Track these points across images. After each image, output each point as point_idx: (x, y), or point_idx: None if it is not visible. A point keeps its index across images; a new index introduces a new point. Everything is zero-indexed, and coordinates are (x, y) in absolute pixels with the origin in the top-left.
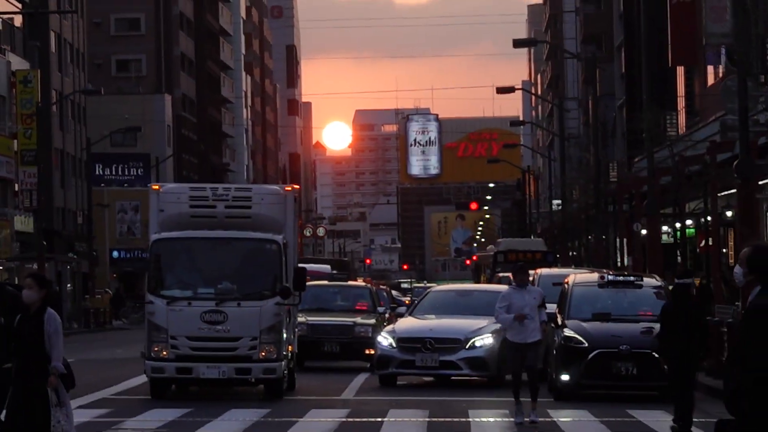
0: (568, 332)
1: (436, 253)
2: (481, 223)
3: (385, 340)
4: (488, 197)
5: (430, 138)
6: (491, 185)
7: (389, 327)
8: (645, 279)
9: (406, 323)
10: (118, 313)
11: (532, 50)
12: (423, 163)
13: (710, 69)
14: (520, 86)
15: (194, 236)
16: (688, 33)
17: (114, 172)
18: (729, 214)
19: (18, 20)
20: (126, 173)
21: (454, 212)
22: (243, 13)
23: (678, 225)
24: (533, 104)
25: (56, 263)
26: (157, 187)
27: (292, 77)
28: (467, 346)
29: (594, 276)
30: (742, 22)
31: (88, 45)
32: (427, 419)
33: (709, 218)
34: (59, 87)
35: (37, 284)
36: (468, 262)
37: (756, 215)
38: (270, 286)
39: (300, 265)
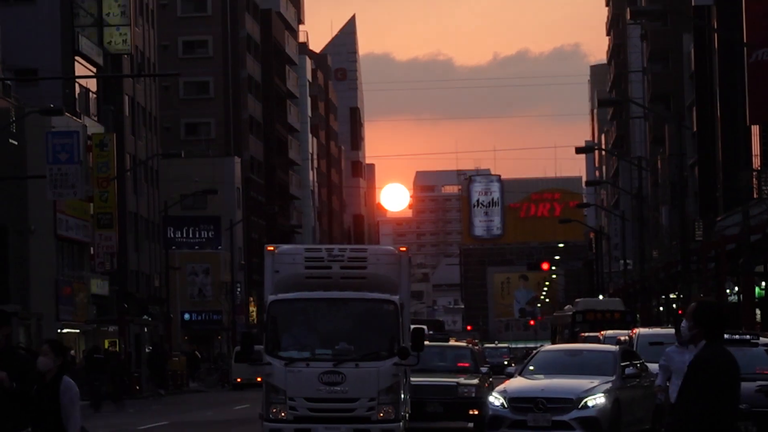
0: None
1: (499, 314)
2: (547, 283)
3: (496, 400)
4: (556, 257)
5: (492, 198)
6: (560, 245)
7: (500, 387)
8: (761, 338)
9: (517, 383)
10: (193, 375)
11: (596, 111)
12: (486, 223)
13: None
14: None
15: (311, 297)
16: (765, 92)
17: (185, 235)
18: None
19: (92, 84)
20: (197, 236)
21: (517, 273)
22: (309, 76)
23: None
24: (596, 164)
25: (135, 326)
26: (272, 248)
27: (356, 139)
28: (579, 406)
29: None
30: None
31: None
32: None
33: None
34: (132, 150)
35: (53, 351)
36: (532, 322)
37: None
38: (387, 347)
39: (417, 326)
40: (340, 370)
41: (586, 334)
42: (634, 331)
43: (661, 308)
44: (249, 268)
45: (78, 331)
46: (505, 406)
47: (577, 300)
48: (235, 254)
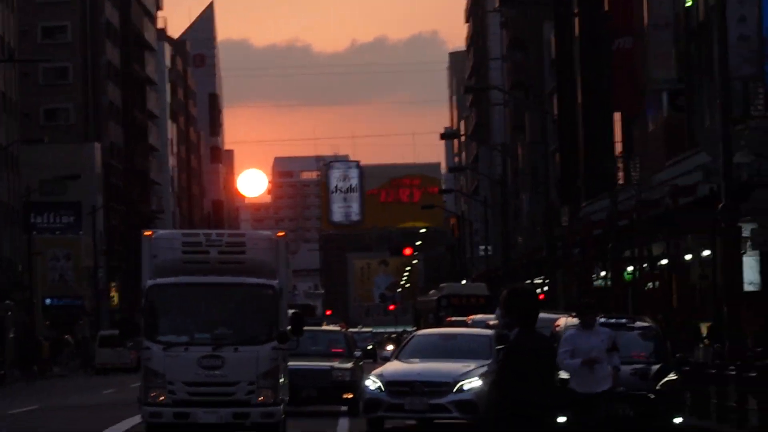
0: (562, 374)
1: (359, 299)
2: (407, 269)
3: (373, 384)
4: (417, 243)
5: (351, 185)
6: (422, 230)
7: (377, 370)
8: (637, 322)
9: (393, 367)
10: (56, 360)
11: (455, 98)
12: (345, 209)
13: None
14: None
15: (189, 282)
16: (628, 79)
17: (46, 221)
18: (706, 253)
19: None
20: (58, 221)
21: (377, 258)
22: (168, 62)
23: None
24: (456, 150)
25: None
26: (149, 233)
27: (215, 125)
28: (456, 389)
29: None
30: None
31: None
32: None
33: (665, 261)
34: None
35: None
36: (392, 307)
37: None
38: (266, 331)
39: (296, 310)
40: (220, 354)
41: (453, 318)
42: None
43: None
44: (110, 254)
45: None
46: (382, 389)
47: (441, 285)
48: (96, 240)
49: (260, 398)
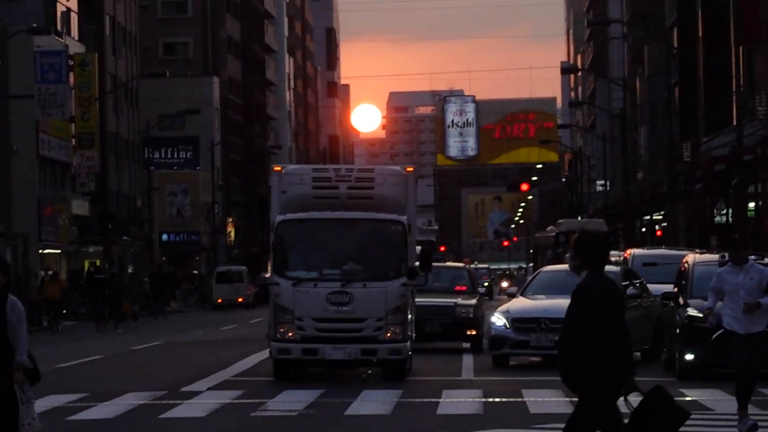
0: (691, 311)
1: (473, 235)
2: (522, 204)
3: (499, 320)
4: (534, 178)
5: (467, 119)
6: (539, 166)
7: (502, 307)
8: (765, 258)
9: (519, 304)
10: (174, 294)
11: (572, 31)
12: (461, 144)
13: None
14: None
15: (319, 217)
16: (751, 13)
17: (164, 156)
18: None
19: (73, 4)
20: (176, 156)
21: (491, 194)
22: None
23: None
24: (572, 85)
25: (116, 247)
26: (279, 168)
27: (332, 60)
28: None
29: (714, 256)
30: None
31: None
32: (567, 399)
33: None
34: (113, 70)
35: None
36: (506, 243)
37: None
38: (395, 267)
39: (425, 246)
40: (348, 290)
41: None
42: (628, 252)
43: (644, 229)
44: (228, 189)
45: (59, 251)
46: (508, 326)
47: (559, 221)
48: (214, 175)
49: (388, 334)
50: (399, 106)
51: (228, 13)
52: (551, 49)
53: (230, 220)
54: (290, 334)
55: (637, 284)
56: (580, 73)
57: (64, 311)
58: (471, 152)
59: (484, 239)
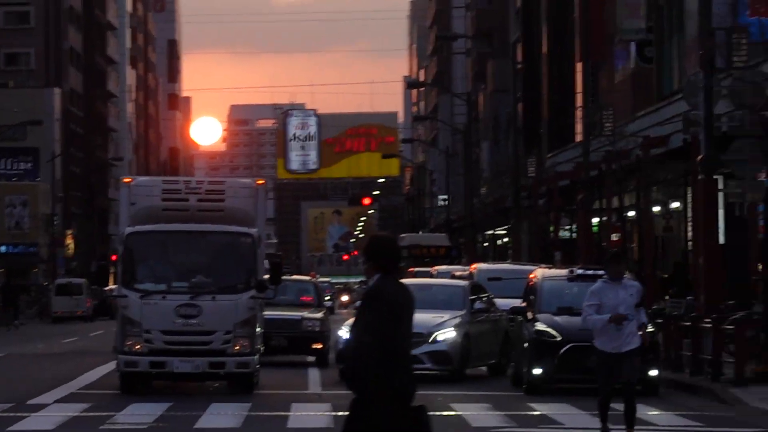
0: (540, 326)
1: (312, 249)
2: (362, 219)
3: (346, 333)
4: (375, 192)
5: (309, 133)
6: (381, 180)
7: (350, 321)
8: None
9: None
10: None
11: (415, 47)
12: (302, 158)
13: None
14: (400, 81)
15: (168, 229)
16: (595, 29)
17: (3, 167)
18: (675, 205)
19: None
20: (15, 167)
21: (331, 208)
22: (129, 7)
23: (597, 220)
24: (414, 100)
25: None
26: (128, 180)
27: (173, 72)
28: (430, 341)
29: (562, 270)
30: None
31: None
32: None
33: (631, 213)
34: None
35: None
36: (346, 257)
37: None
38: (244, 280)
39: (274, 259)
40: (197, 302)
41: (416, 269)
42: (473, 266)
43: (486, 244)
44: (67, 201)
45: None
46: None
47: (402, 235)
48: (54, 187)
49: (236, 347)
50: (240, 119)
51: (71, 23)
52: (393, 64)
53: (69, 232)
54: (138, 346)
55: (485, 298)
56: (423, 88)
57: None
58: (312, 165)
59: (323, 253)
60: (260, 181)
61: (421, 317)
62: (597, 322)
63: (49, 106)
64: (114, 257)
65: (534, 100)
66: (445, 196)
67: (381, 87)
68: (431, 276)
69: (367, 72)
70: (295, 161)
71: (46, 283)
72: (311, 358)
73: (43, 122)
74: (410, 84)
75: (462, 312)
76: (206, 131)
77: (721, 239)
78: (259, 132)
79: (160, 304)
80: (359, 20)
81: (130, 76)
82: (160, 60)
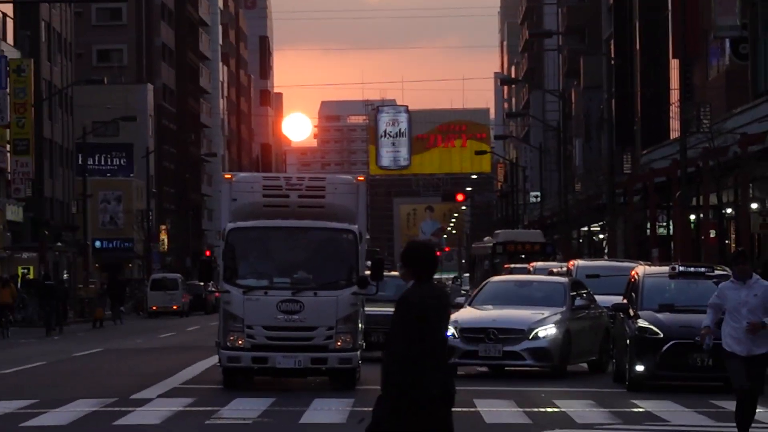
0: (642, 323)
1: (405, 245)
2: (455, 215)
3: (447, 330)
4: (468, 189)
5: (400, 129)
6: (474, 176)
7: (451, 317)
8: (716, 270)
9: (468, 314)
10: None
11: (506, 43)
12: (393, 154)
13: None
14: (491, 77)
15: (270, 225)
16: (689, 26)
17: (97, 162)
18: (754, 206)
19: (8, 9)
20: (109, 163)
21: (423, 204)
22: (220, 4)
23: (693, 217)
24: (505, 96)
25: (51, 253)
26: (229, 176)
27: (265, 68)
28: (530, 337)
29: (664, 268)
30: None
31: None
32: (521, 409)
33: (728, 210)
34: (48, 76)
35: None
36: (438, 253)
37: None
38: (346, 276)
39: (377, 256)
40: (299, 298)
41: (512, 265)
42: (572, 263)
43: (581, 240)
44: (161, 197)
45: None
46: (456, 336)
47: (496, 231)
48: (148, 183)
49: (338, 343)
50: (331, 115)
51: (162, 20)
52: (484, 60)
53: (163, 227)
54: (240, 342)
55: (584, 295)
56: (514, 85)
57: (11, 317)
58: (403, 162)
59: None
60: (360, 178)
61: (522, 313)
62: (703, 321)
63: (142, 102)
64: (208, 253)
65: (627, 97)
66: (538, 193)
67: (471, 83)
68: (528, 272)
69: (457, 68)
70: (386, 157)
71: (142, 278)
72: None
73: (137, 118)
74: (503, 81)
75: (562, 309)
76: (297, 127)
77: None
78: (350, 128)
79: (263, 299)
80: (450, 16)
81: (222, 72)
82: (252, 56)
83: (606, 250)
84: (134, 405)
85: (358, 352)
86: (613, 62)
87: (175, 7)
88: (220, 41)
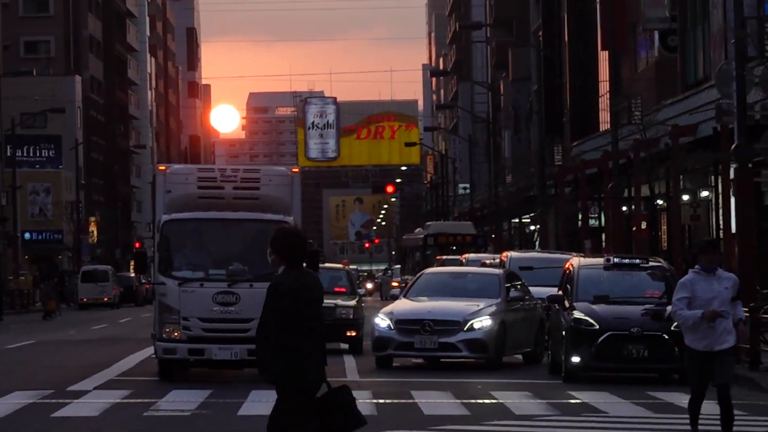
0: (577, 314)
1: (334, 237)
2: (385, 206)
3: (382, 321)
4: (398, 180)
5: (328, 121)
6: (403, 168)
7: (386, 308)
8: (650, 261)
9: (403, 305)
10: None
11: (433, 34)
12: (321, 146)
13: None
14: (419, 69)
15: (206, 217)
16: (617, 18)
17: (26, 154)
18: (704, 194)
19: None
20: (38, 155)
21: (353, 196)
22: None
23: (624, 208)
24: (433, 88)
25: None
26: (164, 168)
27: (193, 60)
28: (466, 328)
29: (599, 259)
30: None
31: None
32: (459, 401)
33: (660, 202)
34: None
35: None
36: (368, 245)
37: (752, 197)
38: None
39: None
40: (235, 290)
41: (445, 257)
42: (504, 255)
43: (512, 232)
44: (90, 189)
45: None
46: (392, 327)
47: (427, 223)
48: (78, 174)
49: None
50: (259, 106)
51: (90, 12)
52: (412, 51)
53: (93, 219)
54: (176, 333)
55: (519, 286)
56: (442, 77)
57: None
58: (331, 154)
59: (345, 241)
60: (295, 170)
61: (457, 305)
62: (688, 317)
63: (70, 94)
64: (138, 244)
65: (555, 89)
66: (467, 185)
67: (399, 75)
68: (461, 264)
69: (385, 60)
70: (314, 149)
71: (73, 270)
72: (344, 346)
73: (66, 110)
74: (432, 72)
75: (497, 300)
76: (225, 119)
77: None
78: (278, 120)
79: (198, 291)
80: (376, 8)
81: (150, 64)
82: (180, 48)
83: (537, 242)
84: (71, 397)
85: None
86: (542, 53)
87: None
88: (148, 33)
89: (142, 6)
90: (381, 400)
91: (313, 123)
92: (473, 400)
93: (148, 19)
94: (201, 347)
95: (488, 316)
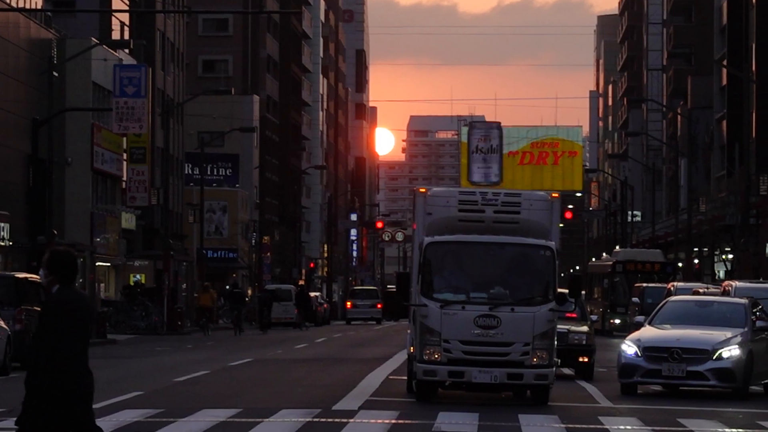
0: None
1: None
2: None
3: (630, 348)
4: (570, 206)
5: (492, 145)
6: (578, 194)
7: (633, 335)
8: None
9: (649, 333)
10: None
11: (601, 61)
12: (484, 170)
13: None
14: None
15: (468, 240)
16: None
17: (204, 172)
18: None
19: (125, 18)
20: (215, 173)
21: None
22: (322, 17)
23: None
24: (600, 115)
25: (174, 261)
26: (424, 190)
27: (361, 82)
28: (714, 357)
29: None
30: None
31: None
32: (732, 429)
33: None
34: (162, 86)
35: None
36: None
37: None
38: (543, 292)
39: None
40: (496, 314)
41: (644, 284)
42: (729, 284)
43: (701, 261)
44: (263, 208)
45: (109, 264)
46: (639, 354)
47: (615, 250)
48: (254, 194)
49: (534, 359)
50: (419, 129)
51: (268, 32)
52: (576, 78)
53: (267, 239)
54: (437, 356)
55: (764, 316)
56: (611, 102)
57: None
58: (494, 178)
59: None
60: (555, 195)
61: (705, 333)
62: None
63: (248, 114)
64: (312, 265)
65: (739, 118)
66: (638, 212)
67: (564, 102)
68: (669, 293)
69: (549, 86)
70: (477, 173)
71: (254, 289)
72: (568, 371)
73: (230, 129)
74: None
75: (744, 329)
76: (381, 141)
77: None
78: (438, 143)
79: (460, 314)
80: (543, 34)
81: (322, 85)
82: (349, 70)
83: (734, 273)
84: (342, 416)
85: (554, 369)
86: (724, 84)
87: (280, 19)
88: (321, 54)
89: (317, 27)
90: (655, 427)
91: (477, 147)
92: (743, 429)
93: (321, 40)
94: (461, 369)
95: (737, 346)
